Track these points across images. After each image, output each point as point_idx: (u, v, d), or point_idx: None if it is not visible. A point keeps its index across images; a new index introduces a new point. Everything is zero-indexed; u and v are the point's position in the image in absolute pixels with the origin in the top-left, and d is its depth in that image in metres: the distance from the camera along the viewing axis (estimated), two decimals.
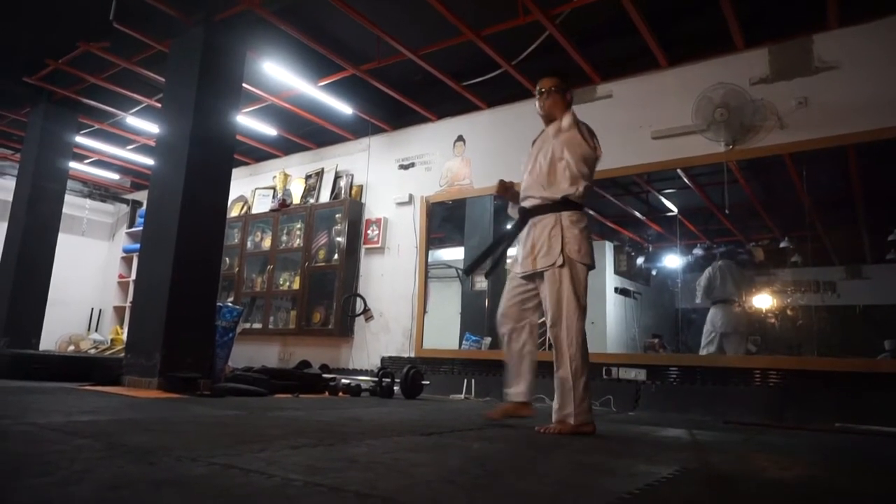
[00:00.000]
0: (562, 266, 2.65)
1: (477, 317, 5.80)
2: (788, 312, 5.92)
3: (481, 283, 5.81)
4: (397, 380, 4.78)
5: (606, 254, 7.15)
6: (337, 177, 6.85)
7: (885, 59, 4.00)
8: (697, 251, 6.23)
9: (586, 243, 2.72)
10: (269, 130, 6.70)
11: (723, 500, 1.42)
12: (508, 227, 3.12)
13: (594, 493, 1.37)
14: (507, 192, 3.01)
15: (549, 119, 2.92)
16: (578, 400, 2.61)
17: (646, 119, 4.85)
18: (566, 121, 2.77)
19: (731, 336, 5.51)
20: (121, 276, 8.85)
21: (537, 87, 2.95)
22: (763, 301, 6.25)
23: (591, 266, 2.74)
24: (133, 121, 6.63)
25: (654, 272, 7.37)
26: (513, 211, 3.01)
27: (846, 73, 4.13)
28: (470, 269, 3.14)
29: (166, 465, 1.40)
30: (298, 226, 6.92)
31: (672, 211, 6.17)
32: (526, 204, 2.86)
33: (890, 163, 4.27)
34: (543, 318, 2.80)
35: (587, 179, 2.76)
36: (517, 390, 2.83)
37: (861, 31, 4.12)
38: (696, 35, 4.67)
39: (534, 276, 2.78)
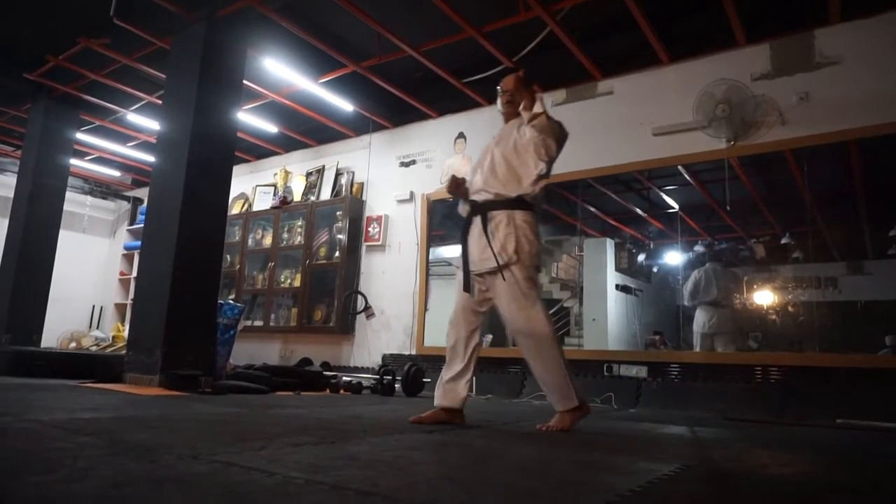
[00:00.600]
0: (516, 263, 2.61)
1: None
2: (790, 309, 5.93)
3: None
4: (398, 377, 4.79)
5: (607, 251, 7.14)
6: (338, 174, 6.85)
7: (887, 54, 3.99)
8: (698, 248, 6.25)
9: (536, 244, 2.68)
10: (269, 127, 6.70)
11: (724, 498, 1.42)
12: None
13: (595, 491, 1.37)
14: (459, 188, 2.88)
15: (511, 118, 2.90)
16: (575, 383, 2.61)
17: (647, 115, 4.85)
18: (537, 106, 2.68)
19: (716, 336, 5.62)
20: (122, 273, 8.86)
21: (503, 87, 2.91)
22: (763, 298, 6.27)
23: (537, 268, 2.71)
24: (134, 117, 6.62)
25: (655, 269, 7.37)
26: (463, 209, 2.92)
27: (847, 69, 4.12)
28: (466, 285, 2.98)
29: (168, 462, 1.40)
30: (299, 223, 6.92)
31: (673, 208, 6.17)
32: (478, 198, 2.76)
33: (892, 158, 4.27)
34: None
35: (551, 160, 2.68)
36: (457, 397, 2.72)
37: (862, 25, 4.11)
38: (698, 31, 4.66)
39: (484, 275, 2.70)
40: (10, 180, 7.26)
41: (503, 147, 2.77)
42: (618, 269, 7.29)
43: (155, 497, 1.09)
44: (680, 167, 5.00)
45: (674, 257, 6.81)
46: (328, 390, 4.76)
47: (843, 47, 4.15)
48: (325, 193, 6.81)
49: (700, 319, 5.70)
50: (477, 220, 2.74)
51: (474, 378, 5.07)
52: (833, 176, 5.02)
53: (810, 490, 1.55)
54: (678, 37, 4.68)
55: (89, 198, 9.24)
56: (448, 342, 2.79)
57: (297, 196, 7.08)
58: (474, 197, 2.79)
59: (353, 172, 6.76)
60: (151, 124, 6.53)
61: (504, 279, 2.62)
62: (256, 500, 1.10)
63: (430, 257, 6.08)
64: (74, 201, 8.71)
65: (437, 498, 1.19)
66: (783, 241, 5.90)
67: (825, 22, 4.20)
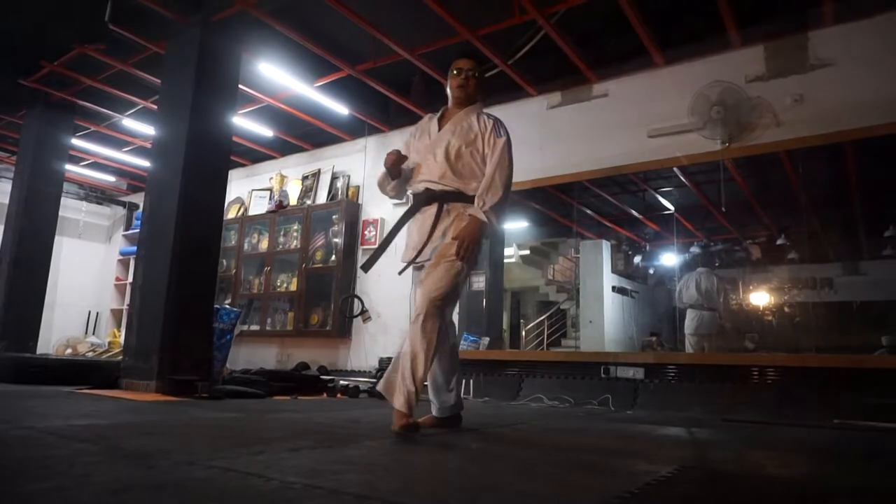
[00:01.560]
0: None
1: (475, 317, 5.79)
2: (786, 310, 5.96)
3: (479, 283, 5.81)
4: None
5: (603, 253, 7.15)
6: (334, 178, 6.85)
7: (881, 56, 4.00)
8: (694, 249, 6.30)
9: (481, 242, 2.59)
10: (265, 132, 6.69)
11: (722, 499, 1.42)
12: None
13: (593, 493, 1.37)
14: (396, 165, 2.70)
15: (462, 102, 2.74)
16: (413, 393, 2.39)
17: (642, 117, 4.85)
18: (500, 132, 2.62)
19: (702, 338, 5.77)
20: (118, 279, 8.83)
21: (458, 66, 2.76)
22: (759, 299, 6.32)
23: (474, 262, 2.58)
24: (129, 123, 6.61)
25: (651, 271, 7.40)
26: (391, 188, 2.77)
27: (842, 70, 4.13)
28: (367, 265, 2.84)
29: (165, 468, 1.39)
30: (295, 227, 6.91)
31: (669, 209, 6.19)
32: (435, 188, 2.62)
33: (886, 159, 4.29)
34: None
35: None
36: (446, 405, 2.70)
37: (856, 27, 4.12)
38: (693, 33, 4.67)
39: (425, 264, 2.58)
40: (6, 186, 7.23)
41: (461, 140, 2.63)
42: (614, 270, 7.32)
43: None
44: (675, 169, 5.01)
45: (670, 259, 6.85)
46: (325, 394, 4.74)
47: (838, 49, 4.16)
48: (321, 197, 6.81)
49: (687, 321, 5.85)
50: (430, 210, 2.61)
51: (469, 381, 5.08)
52: (828, 177, 5.04)
53: (808, 491, 1.55)
54: (673, 39, 4.70)
55: (84, 203, 9.21)
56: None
57: (293, 200, 7.08)
58: (430, 186, 2.64)
59: (349, 176, 6.76)
60: (147, 129, 6.52)
61: (439, 263, 2.48)
62: None
63: None
64: (70, 207, 8.67)
65: (435, 501, 1.19)
66: (778, 242, 5.95)
67: (819, 24, 4.21)
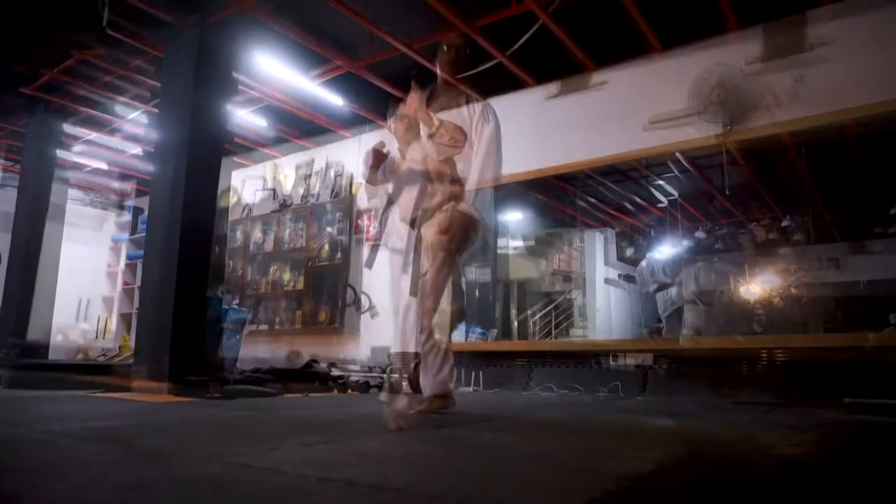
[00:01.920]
0: (446, 233, 2.52)
1: (475, 310, 5.79)
2: (779, 305, 5.96)
3: (485, 275, 5.82)
4: (405, 374, 4.80)
5: (597, 245, 7.16)
6: (336, 175, 6.86)
7: (880, 33, 3.96)
8: (688, 243, 6.32)
9: (470, 227, 2.61)
10: (265, 129, 6.69)
11: (716, 496, 1.43)
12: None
13: (606, 478, 1.38)
14: (378, 164, 2.71)
15: (452, 81, 2.73)
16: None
17: (642, 106, 4.82)
18: (489, 117, 2.59)
19: (695, 332, 5.81)
20: (109, 266, 8.73)
21: (447, 43, 2.74)
22: (756, 294, 6.36)
23: (464, 246, 2.60)
24: (126, 123, 6.62)
25: (644, 263, 7.40)
26: (379, 180, 2.79)
27: (842, 49, 4.09)
28: (370, 262, 2.89)
29: (182, 466, 1.42)
30: (291, 223, 6.95)
31: (664, 202, 6.20)
32: (417, 169, 2.63)
33: (885, 154, 4.29)
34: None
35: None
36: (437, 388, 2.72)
37: (854, 5, 4.09)
38: (691, 19, 4.63)
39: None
40: (5, 192, 7.24)
41: (447, 122, 2.58)
42: (610, 262, 7.32)
43: (171, 500, 1.11)
44: (672, 160, 4.99)
45: (669, 252, 6.85)
46: (335, 390, 4.77)
47: (836, 28, 4.12)
48: (324, 195, 6.84)
49: (685, 318, 5.85)
50: (411, 193, 2.61)
51: (480, 372, 5.11)
52: (830, 158, 5.03)
53: (806, 489, 1.54)
54: (671, 25, 4.66)
55: (76, 191, 9.04)
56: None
57: (295, 199, 7.10)
58: (412, 167, 2.64)
59: (352, 173, 6.77)
60: (142, 120, 6.51)
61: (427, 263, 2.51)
62: (273, 499, 1.12)
63: None
64: (61, 193, 8.52)
65: (449, 489, 1.21)
66: (770, 236, 6.00)
67: (817, 3, 4.18)
